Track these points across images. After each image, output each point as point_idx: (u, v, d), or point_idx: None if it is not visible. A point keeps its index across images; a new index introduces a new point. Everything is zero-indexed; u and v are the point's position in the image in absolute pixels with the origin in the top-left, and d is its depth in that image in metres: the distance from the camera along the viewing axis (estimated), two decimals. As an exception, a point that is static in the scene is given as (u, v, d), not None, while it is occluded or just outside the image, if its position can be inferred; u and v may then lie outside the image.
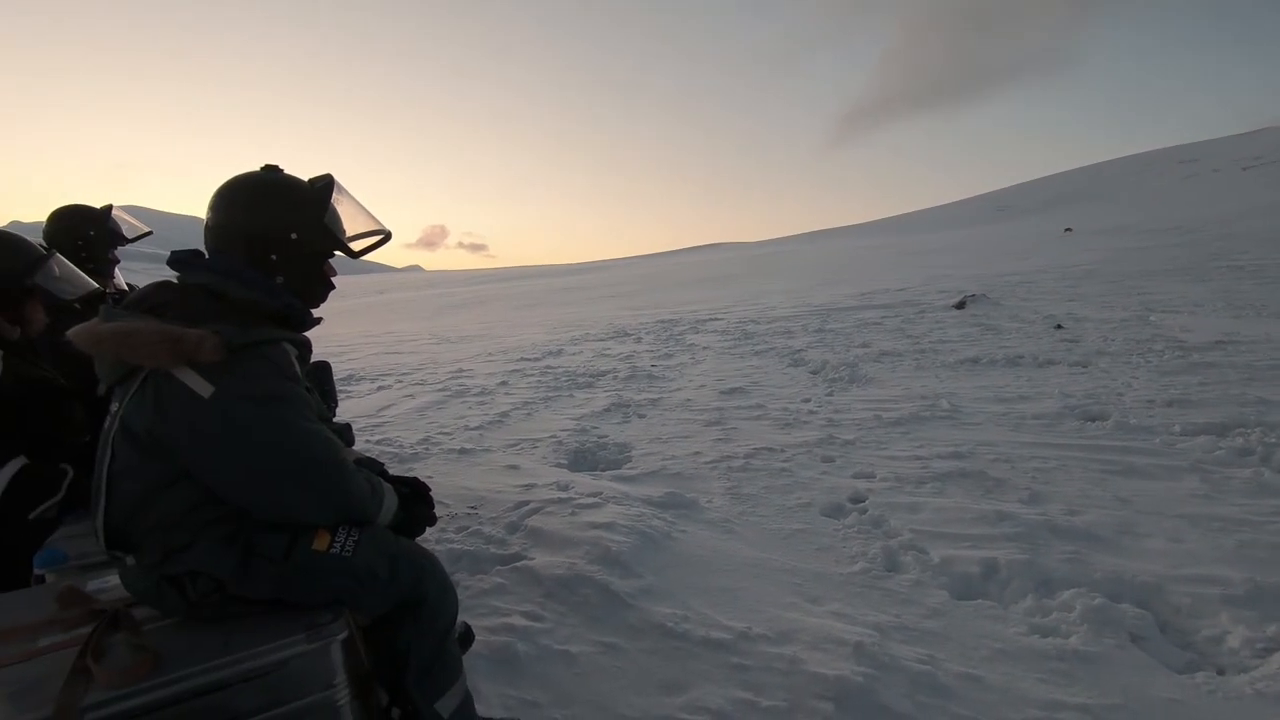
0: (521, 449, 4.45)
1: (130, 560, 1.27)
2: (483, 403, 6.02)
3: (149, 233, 3.07)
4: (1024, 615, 2.31)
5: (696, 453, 4.11)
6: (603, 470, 4.01)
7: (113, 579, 1.44)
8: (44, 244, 2.26)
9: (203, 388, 1.19)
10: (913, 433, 4.29)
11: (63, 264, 2.12)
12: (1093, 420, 4.20)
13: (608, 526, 2.88)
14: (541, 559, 2.70)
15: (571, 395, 6.11)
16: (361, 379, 7.67)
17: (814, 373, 6.37)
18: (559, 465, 4.11)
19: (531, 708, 1.91)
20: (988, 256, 17.49)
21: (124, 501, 1.24)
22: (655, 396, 5.76)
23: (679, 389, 6.06)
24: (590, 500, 3.23)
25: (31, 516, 1.80)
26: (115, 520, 1.25)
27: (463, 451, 4.37)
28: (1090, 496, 3.16)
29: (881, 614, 2.33)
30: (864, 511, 3.15)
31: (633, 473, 3.85)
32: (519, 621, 2.29)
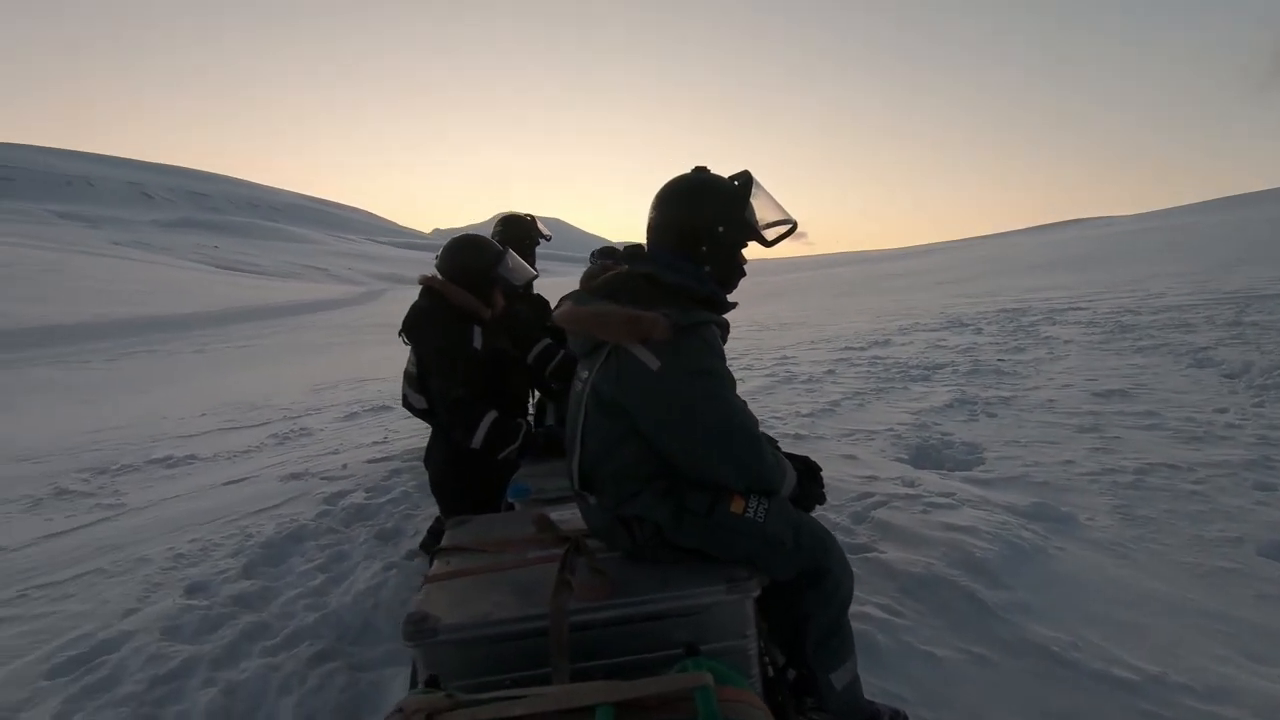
0: (857, 439, 4.38)
1: (593, 500, 1.56)
2: (811, 390, 6.05)
3: (550, 237, 3.70)
4: None
5: (1068, 461, 3.60)
6: (950, 470, 3.75)
7: (564, 513, 1.80)
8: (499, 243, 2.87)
9: (652, 362, 1.41)
10: None
11: (513, 257, 2.66)
12: None
13: (968, 530, 2.70)
14: (894, 554, 2.64)
15: (906, 388, 5.81)
16: (694, 361, 8.26)
17: (1230, 376, 5.10)
18: (899, 460, 3.95)
19: (898, 700, 1.88)
20: None
21: (591, 452, 1.52)
22: (1007, 394, 5.18)
23: (1037, 387, 5.36)
24: (943, 500, 3.05)
25: (500, 458, 2.32)
26: (585, 467, 1.55)
27: (797, 437, 4.45)
28: None
29: (1372, 697, 1.79)
30: (1330, 560, 2.45)
31: (987, 476, 3.53)
32: (875, 613, 2.28)
